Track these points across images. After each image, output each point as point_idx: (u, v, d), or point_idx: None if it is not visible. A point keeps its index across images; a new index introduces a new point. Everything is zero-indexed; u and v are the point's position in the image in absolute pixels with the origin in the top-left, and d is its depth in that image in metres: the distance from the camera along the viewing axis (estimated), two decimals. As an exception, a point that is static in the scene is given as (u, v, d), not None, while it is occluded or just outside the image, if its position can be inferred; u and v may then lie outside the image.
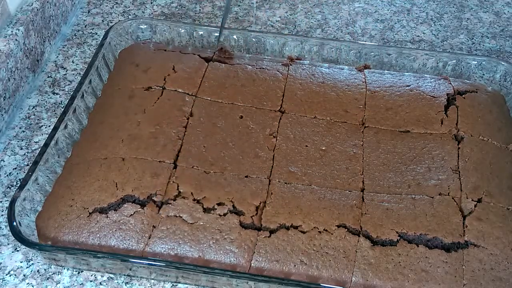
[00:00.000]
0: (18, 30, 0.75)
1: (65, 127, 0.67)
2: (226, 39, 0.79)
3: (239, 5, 0.94)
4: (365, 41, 0.88)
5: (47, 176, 0.63)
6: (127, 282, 0.60)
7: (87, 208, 0.60)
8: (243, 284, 0.56)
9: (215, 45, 0.79)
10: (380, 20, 0.93)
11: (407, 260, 0.57)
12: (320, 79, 0.74)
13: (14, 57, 0.74)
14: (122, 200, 0.61)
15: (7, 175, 0.69)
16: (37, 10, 0.79)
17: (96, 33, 0.89)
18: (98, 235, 0.59)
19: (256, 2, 0.94)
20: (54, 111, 0.77)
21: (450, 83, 0.74)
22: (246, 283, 0.56)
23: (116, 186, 0.62)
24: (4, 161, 0.70)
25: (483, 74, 0.77)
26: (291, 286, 0.54)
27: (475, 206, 0.61)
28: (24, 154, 0.71)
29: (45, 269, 0.61)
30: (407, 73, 0.76)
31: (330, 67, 0.76)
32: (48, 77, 0.82)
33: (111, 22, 0.90)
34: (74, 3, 0.92)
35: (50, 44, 0.84)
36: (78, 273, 0.60)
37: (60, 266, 0.61)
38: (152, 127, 0.67)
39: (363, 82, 0.74)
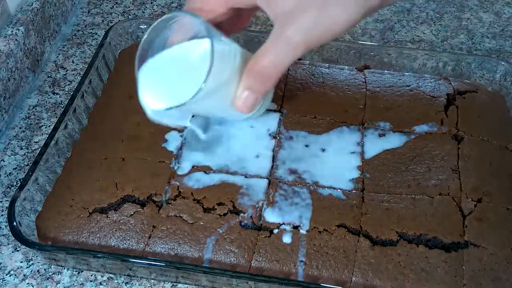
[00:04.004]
0: (18, 30, 0.75)
1: (65, 127, 0.67)
2: (226, 39, 0.79)
3: (239, 5, 0.94)
4: (365, 41, 0.88)
5: (47, 176, 0.63)
6: (127, 282, 0.60)
7: (87, 208, 0.60)
8: (243, 284, 0.56)
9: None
10: (380, 20, 0.93)
11: (407, 260, 0.57)
12: (320, 79, 0.74)
13: (14, 57, 0.74)
14: (122, 200, 0.61)
15: (7, 175, 0.69)
16: (37, 10, 0.79)
17: (96, 33, 0.89)
18: (98, 235, 0.59)
19: (256, 2, 0.94)
20: (54, 111, 0.77)
21: (450, 83, 0.74)
22: (246, 283, 0.56)
23: (116, 186, 0.62)
24: (4, 161, 0.71)
25: (483, 74, 0.77)
26: (291, 286, 0.54)
27: (475, 206, 0.61)
28: (24, 154, 0.71)
29: (45, 269, 0.61)
30: (407, 73, 0.76)
31: (330, 67, 0.76)
32: (48, 77, 0.82)
33: (111, 22, 0.90)
34: (74, 3, 0.92)
35: (50, 44, 0.84)
36: (78, 273, 0.60)
37: (60, 266, 0.61)
38: (152, 127, 0.67)
39: (363, 82, 0.74)
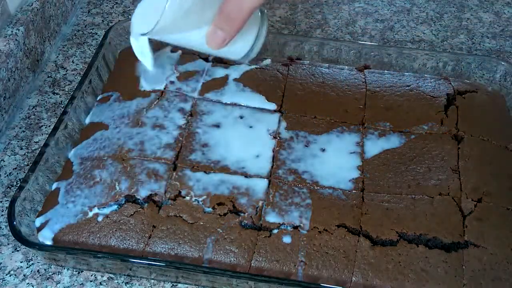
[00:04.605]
0: (18, 30, 0.75)
1: (65, 127, 0.67)
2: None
3: (239, 5, 0.94)
4: (365, 41, 0.88)
5: (47, 176, 0.63)
6: (127, 282, 0.60)
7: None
8: (243, 284, 0.56)
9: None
10: (380, 20, 0.93)
11: (407, 260, 0.57)
12: (320, 79, 0.74)
13: (14, 57, 0.74)
14: (122, 200, 0.61)
15: (7, 175, 0.69)
16: (37, 10, 0.79)
17: (96, 33, 0.89)
18: (98, 235, 0.59)
19: (256, 2, 0.94)
20: (54, 111, 0.77)
21: (450, 83, 0.74)
22: (246, 283, 0.56)
23: (116, 186, 0.62)
24: (4, 161, 0.71)
25: (483, 74, 0.77)
26: (291, 286, 0.54)
27: (475, 206, 0.61)
28: (24, 154, 0.71)
29: (45, 269, 0.61)
30: (407, 73, 0.76)
31: (330, 67, 0.76)
32: (48, 77, 0.82)
33: (111, 22, 0.90)
34: (74, 3, 0.92)
35: (50, 44, 0.84)
36: (78, 273, 0.60)
37: (60, 266, 0.61)
38: (153, 127, 0.67)
39: (363, 82, 0.74)
